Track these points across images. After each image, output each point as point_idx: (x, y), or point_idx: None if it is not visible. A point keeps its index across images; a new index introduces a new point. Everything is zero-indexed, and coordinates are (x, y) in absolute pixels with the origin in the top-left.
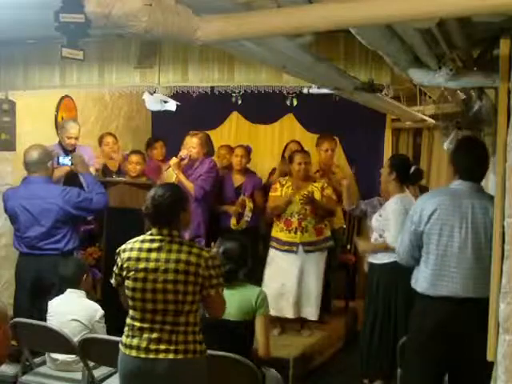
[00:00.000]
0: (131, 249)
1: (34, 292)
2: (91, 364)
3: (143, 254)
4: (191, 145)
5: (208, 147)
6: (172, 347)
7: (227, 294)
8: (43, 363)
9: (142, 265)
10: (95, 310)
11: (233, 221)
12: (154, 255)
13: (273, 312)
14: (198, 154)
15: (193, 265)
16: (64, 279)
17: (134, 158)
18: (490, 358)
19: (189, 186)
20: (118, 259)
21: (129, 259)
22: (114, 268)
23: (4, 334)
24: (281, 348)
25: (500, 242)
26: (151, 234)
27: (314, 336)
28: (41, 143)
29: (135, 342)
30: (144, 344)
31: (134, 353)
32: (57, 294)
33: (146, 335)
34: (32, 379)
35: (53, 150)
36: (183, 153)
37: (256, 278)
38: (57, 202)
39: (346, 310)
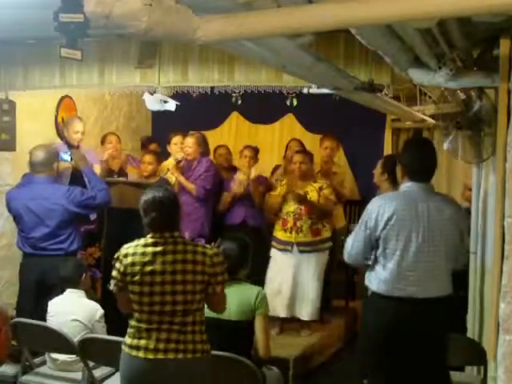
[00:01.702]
0: (134, 253)
1: (38, 292)
2: (91, 364)
3: (148, 258)
4: (187, 144)
5: (204, 147)
6: (181, 347)
7: (227, 293)
8: (43, 363)
9: (148, 268)
10: (95, 310)
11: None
12: (159, 258)
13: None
14: (195, 153)
15: (199, 263)
16: (63, 279)
17: (147, 157)
18: (490, 357)
19: (189, 187)
20: (119, 265)
21: (133, 264)
22: (114, 274)
23: (5, 335)
24: (281, 348)
25: (500, 242)
26: (153, 237)
27: (313, 336)
28: (41, 143)
29: (143, 342)
30: (152, 345)
31: (141, 354)
32: (57, 295)
33: (154, 336)
34: (32, 379)
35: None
36: (179, 155)
37: (261, 279)
38: (61, 202)
39: (346, 310)
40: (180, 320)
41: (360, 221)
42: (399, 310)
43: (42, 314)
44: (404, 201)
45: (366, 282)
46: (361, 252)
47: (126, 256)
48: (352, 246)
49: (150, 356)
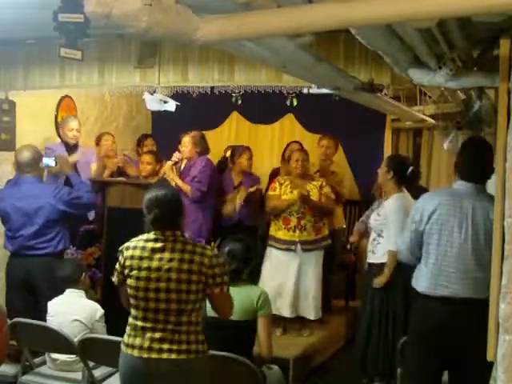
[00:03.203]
0: (135, 247)
1: (26, 292)
2: (91, 364)
3: (146, 253)
4: (183, 144)
5: (201, 146)
6: (175, 347)
7: (230, 291)
8: (43, 363)
9: (145, 264)
10: (95, 310)
11: (226, 207)
12: (157, 255)
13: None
14: (191, 153)
15: (196, 263)
16: (63, 280)
17: (146, 157)
18: (490, 358)
19: (185, 188)
20: (121, 257)
21: (132, 257)
22: (117, 265)
23: (5, 335)
24: (281, 348)
25: (500, 242)
26: (155, 234)
27: (314, 336)
28: (42, 143)
29: (137, 341)
30: (147, 344)
31: (136, 352)
32: (51, 294)
33: (148, 335)
34: (32, 379)
35: (54, 150)
36: (176, 156)
37: (256, 278)
38: (49, 200)
39: (346, 310)
40: (174, 319)
41: (409, 216)
42: (444, 310)
43: (32, 313)
44: (449, 197)
45: (412, 283)
46: (408, 247)
47: (127, 248)
48: (402, 241)
49: (144, 355)
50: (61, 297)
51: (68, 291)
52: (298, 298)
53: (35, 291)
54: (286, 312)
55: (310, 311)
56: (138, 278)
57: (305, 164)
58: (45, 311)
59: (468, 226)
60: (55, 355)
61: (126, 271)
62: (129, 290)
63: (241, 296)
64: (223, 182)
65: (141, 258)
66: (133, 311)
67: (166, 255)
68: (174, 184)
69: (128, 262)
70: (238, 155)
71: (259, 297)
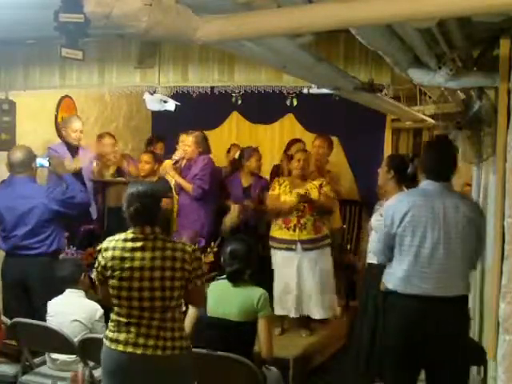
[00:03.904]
0: (114, 248)
1: (20, 291)
2: (91, 364)
3: (127, 253)
4: (186, 143)
5: (203, 146)
6: (160, 343)
7: (231, 293)
8: (43, 363)
9: (127, 264)
10: (95, 310)
11: (225, 222)
12: (138, 254)
13: (280, 311)
14: (193, 152)
15: (179, 260)
16: (62, 280)
17: (145, 157)
18: (490, 357)
19: (187, 186)
20: (100, 257)
21: (113, 258)
22: (96, 265)
23: (3, 331)
24: (281, 348)
25: (500, 242)
26: (133, 233)
27: (314, 336)
28: (41, 143)
29: (122, 336)
30: (132, 339)
31: (121, 347)
32: (45, 294)
33: (133, 330)
34: (32, 379)
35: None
36: (177, 155)
37: (260, 278)
38: (42, 200)
39: (347, 310)
40: (159, 316)
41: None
42: (416, 308)
43: (28, 313)
44: (420, 197)
45: (384, 280)
46: (380, 249)
47: (106, 250)
48: (376, 245)
49: (130, 349)
50: (60, 297)
51: (68, 291)
52: (301, 297)
53: (29, 291)
54: (292, 312)
55: (316, 310)
56: (120, 279)
57: (306, 165)
58: (39, 310)
59: (440, 226)
60: (55, 355)
61: (108, 272)
62: (111, 291)
63: (241, 297)
64: (230, 184)
65: (122, 259)
66: (116, 309)
67: (148, 254)
68: (173, 182)
69: (109, 264)
70: (247, 157)
71: (259, 298)
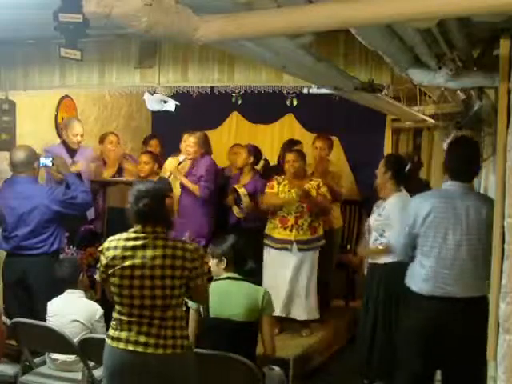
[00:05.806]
0: (115, 247)
1: (21, 291)
2: (91, 364)
3: (128, 252)
4: (188, 144)
5: (206, 147)
6: (161, 342)
7: (234, 293)
8: (43, 363)
9: (128, 262)
10: (95, 310)
11: (235, 210)
12: (139, 253)
13: None
14: (196, 153)
15: (179, 259)
16: (61, 280)
17: (144, 157)
18: (490, 357)
19: (193, 187)
20: (102, 257)
21: (114, 258)
22: (98, 265)
23: (2, 332)
24: (281, 348)
25: (500, 242)
26: (135, 232)
27: (314, 336)
28: (41, 143)
29: (124, 334)
30: (133, 337)
31: (122, 345)
32: (46, 294)
33: (135, 328)
34: (32, 379)
35: (54, 152)
36: (180, 157)
37: (257, 279)
38: (43, 200)
39: (346, 310)
40: (160, 315)
41: (402, 220)
42: (440, 309)
43: (29, 313)
44: (442, 198)
45: (406, 281)
46: (403, 248)
47: (108, 249)
48: (396, 242)
49: (131, 348)
50: (60, 297)
51: (67, 291)
52: (291, 297)
53: (30, 290)
54: (279, 311)
55: (302, 312)
56: (121, 277)
57: (296, 165)
58: (40, 310)
59: (462, 227)
60: (55, 355)
61: (110, 271)
62: (113, 289)
63: (245, 297)
64: (231, 183)
65: (123, 258)
66: (117, 307)
67: (149, 252)
68: (178, 183)
69: (111, 262)
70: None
71: (263, 297)
